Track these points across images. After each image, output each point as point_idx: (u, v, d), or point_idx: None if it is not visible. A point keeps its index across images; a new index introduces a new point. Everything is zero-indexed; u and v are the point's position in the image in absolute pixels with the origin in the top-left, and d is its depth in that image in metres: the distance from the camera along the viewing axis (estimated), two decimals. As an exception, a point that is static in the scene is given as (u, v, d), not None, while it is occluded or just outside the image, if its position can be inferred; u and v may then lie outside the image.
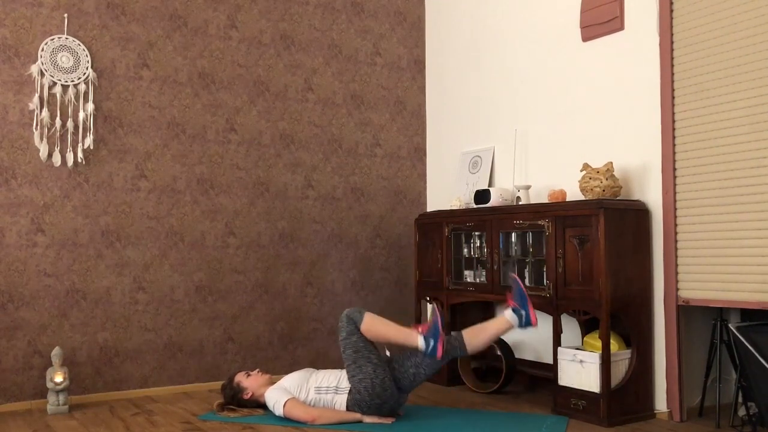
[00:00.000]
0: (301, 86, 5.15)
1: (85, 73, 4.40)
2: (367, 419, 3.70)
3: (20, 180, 4.24)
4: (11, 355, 4.16)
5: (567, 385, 3.84)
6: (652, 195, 3.91)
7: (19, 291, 4.20)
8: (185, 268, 4.68)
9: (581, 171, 3.99)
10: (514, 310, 3.73)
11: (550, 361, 4.15)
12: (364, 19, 5.45)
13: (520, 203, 4.40)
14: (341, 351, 3.77)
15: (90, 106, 4.40)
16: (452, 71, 5.43)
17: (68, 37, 4.38)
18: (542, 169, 4.58)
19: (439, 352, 3.61)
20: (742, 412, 3.58)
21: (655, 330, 3.87)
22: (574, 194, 4.20)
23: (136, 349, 4.50)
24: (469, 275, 4.63)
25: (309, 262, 5.13)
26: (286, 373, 4.18)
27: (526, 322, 3.71)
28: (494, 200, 4.51)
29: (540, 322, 4.42)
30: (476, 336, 3.81)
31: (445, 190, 5.42)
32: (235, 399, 3.92)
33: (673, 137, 3.81)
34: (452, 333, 3.88)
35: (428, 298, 4.94)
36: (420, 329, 3.70)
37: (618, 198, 3.91)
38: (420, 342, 3.66)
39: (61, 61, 4.34)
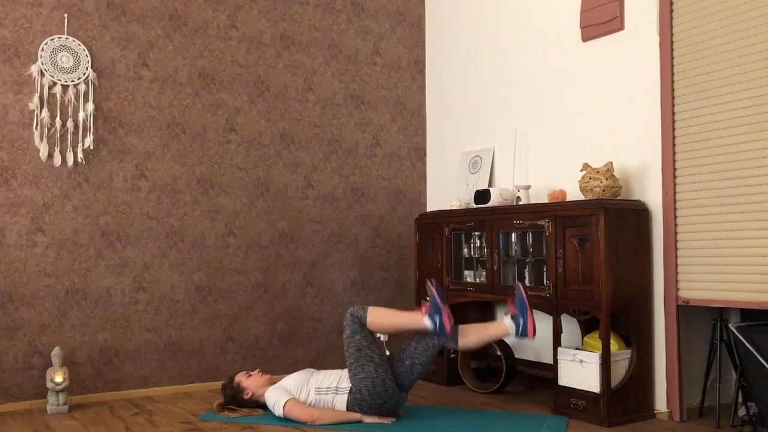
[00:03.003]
0: (301, 86, 5.15)
1: (85, 73, 4.40)
2: (367, 419, 3.70)
3: (20, 180, 4.24)
4: (11, 355, 4.16)
5: (567, 385, 3.84)
6: (652, 195, 3.91)
7: (19, 291, 4.20)
8: (185, 268, 4.68)
9: (581, 171, 3.99)
10: (513, 318, 3.71)
11: (550, 361, 4.15)
12: (364, 19, 5.45)
13: (520, 203, 4.40)
14: (345, 349, 3.77)
15: (90, 106, 4.40)
16: (452, 71, 5.42)
17: (68, 37, 4.38)
18: (542, 169, 4.58)
19: (447, 326, 3.62)
20: (742, 412, 3.58)
21: (655, 330, 3.87)
22: (574, 194, 4.20)
23: (136, 349, 4.50)
24: (469, 275, 4.63)
25: (309, 262, 5.13)
26: (286, 373, 4.18)
27: (522, 332, 3.67)
28: (494, 200, 4.51)
29: (540, 322, 4.43)
30: (471, 333, 3.82)
31: (445, 190, 5.42)
32: (235, 399, 3.92)
33: (673, 137, 3.81)
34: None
35: (428, 298, 4.93)
36: (423, 310, 3.70)
37: (618, 198, 3.91)
38: (426, 322, 3.66)
39: (61, 61, 4.34)
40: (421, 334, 3.82)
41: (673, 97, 3.82)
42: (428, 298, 3.72)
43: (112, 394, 4.40)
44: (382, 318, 3.77)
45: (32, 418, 3.94)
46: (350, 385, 3.71)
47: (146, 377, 4.53)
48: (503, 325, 3.76)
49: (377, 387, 3.65)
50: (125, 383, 4.46)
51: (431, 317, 3.66)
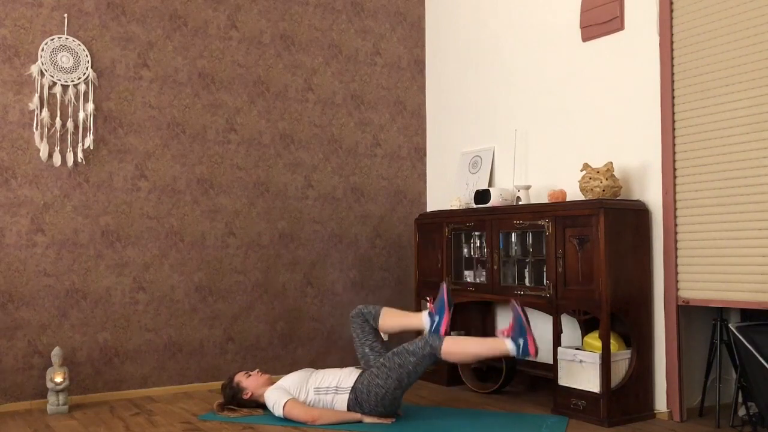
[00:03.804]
0: (301, 86, 5.15)
1: (85, 73, 4.40)
2: (367, 419, 3.70)
3: (20, 180, 4.24)
4: (11, 355, 4.16)
5: (567, 385, 3.84)
6: (652, 195, 3.91)
7: (19, 291, 4.20)
8: (185, 268, 4.68)
9: (581, 171, 3.99)
10: (512, 339, 3.64)
11: (550, 361, 4.15)
12: (364, 19, 5.45)
13: (520, 203, 4.40)
14: (389, 351, 3.72)
15: (90, 106, 4.40)
16: (452, 71, 5.42)
17: (68, 37, 4.38)
18: (542, 169, 4.58)
19: (443, 328, 3.66)
20: (742, 412, 3.58)
21: (655, 330, 3.87)
22: (574, 194, 4.20)
23: (136, 349, 4.50)
24: (469, 275, 4.63)
25: (309, 262, 5.13)
26: (286, 373, 4.18)
27: (524, 353, 3.61)
28: (494, 200, 4.51)
29: (540, 322, 4.43)
30: (467, 350, 3.72)
31: (445, 190, 5.42)
32: (235, 399, 3.92)
33: (673, 137, 3.81)
34: (452, 333, 3.90)
35: (428, 298, 4.94)
36: (504, 333, 3.68)
37: (618, 198, 3.91)
38: (509, 346, 3.61)
39: (61, 61, 4.34)
40: (420, 333, 3.84)
41: (673, 97, 3.82)
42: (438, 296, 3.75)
43: (112, 394, 4.40)
44: (459, 345, 3.66)
45: (32, 418, 3.94)
46: (353, 384, 3.70)
47: (146, 377, 4.53)
48: (503, 346, 3.66)
49: (386, 399, 3.65)
50: (125, 383, 4.46)
51: (431, 316, 3.70)
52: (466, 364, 4.04)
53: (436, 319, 3.73)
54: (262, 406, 3.89)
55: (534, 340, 3.61)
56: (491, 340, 3.76)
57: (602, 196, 3.83)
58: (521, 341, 3.61)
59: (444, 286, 3.88)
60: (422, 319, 3.81)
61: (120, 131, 4.52)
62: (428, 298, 4.41)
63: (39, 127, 4.27)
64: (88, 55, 4.42)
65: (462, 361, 3.69)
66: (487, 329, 4.83)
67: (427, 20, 5.72)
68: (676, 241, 3.79)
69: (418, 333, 3.92)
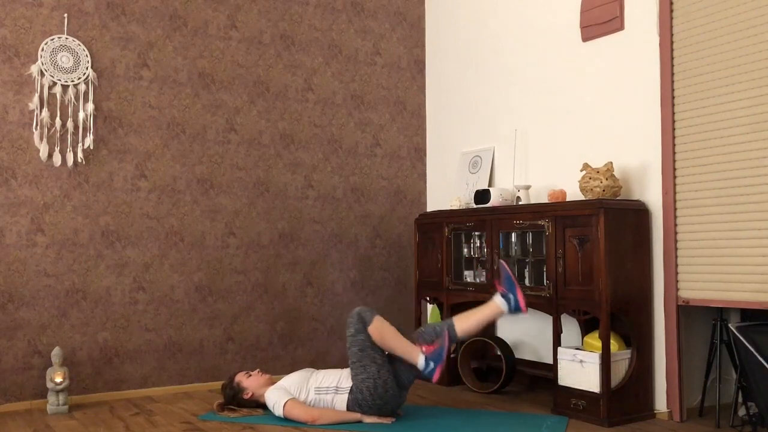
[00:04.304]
0: (301, 86, 5.15)
1: (85, 73, 4.40)
2: (367, 419, 3.70)
3: (20, 180, 4.24)
4: (11, 355, 4.16)
5: (567, 385, 3.84)
6: (652, 195, 3.91)
7: (19, 291, 4.20)
8: (185, 268, 4.68)
9: (581, 171, 3.99)
10: (503, 296, 3.76)
11: (550, 361, 4.15)
12: (364, 19, 5.45)
13: (520, 203, 4.40)
14: (347, 348, 3.77)
15: (90, 106, 4.40)
16: (452, 71, 5.43)
17: (68, 37, 4.38)
18: (542, 169, 4.58)
19: (436, 377, 3.63)
20: (742, 412, 3.58)
21: (655, 330, 3.87)
22: (574, 194, 4.20)
23: (136, 349, 4.50)
24: (469, 275, 4.63)
25: (309, 262, 5.13)
26: (286, 373, 4.18)
27: (515, 308, 3.72)
28: (494, 200, 4.51)
29: (540, 322, 4.43)
30: (467, 321, 3.82)
31: (445, 190, 5.42)
32: (235, 399, 3.92)
33: (673, 137, 3.81)
34: (444, 320, 3.90)
35: (428, 298, 4.94)
36: (425, 348, 3.68)
37: (618, 198, 3.91)
38: (420, 361, 3.65)
39: (61, 61, 4.34)
40: (420, 332, 3.83)
41: (673, 97, 3.82)
42: (437, 343, 3.70)
43: (112, 394, 4.40)
44: (384, 332, 3.72)
45: (32, 418, 3.94)
46: (350, 384, 3.71)
47: (146, 377, 4.53)
48: (495, 304, 3.77)
49: (378, 388, 3.65)
50: (125, 383, 4.46)
51: (427, 361, 3.63)
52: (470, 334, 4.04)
53: (511, 297, 3.73)
54: (263, 406, 3.89)
55: (523, 296, 3.72)
56: (411, 348, 3.70)
57: (602, 196, 3.83)
58: (511, 296, 3.72)
59: (503, 263, 3.87)
60: (497, 303, 3.77)
61: (120, 131, 4.52)
62: (495, 282, 4.28)
63: (39, 127, 4.27)
64: (88, 55, 4.42)
65: (379, 344, 3.72)
66: (486, 329, 4.81)
67: (427, 20, 5.72)
68: (676, 241, 3.79)
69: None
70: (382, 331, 3.73)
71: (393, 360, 3.77)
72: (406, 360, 3.70)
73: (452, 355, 4.69)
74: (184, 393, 4.57)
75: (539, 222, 4.03)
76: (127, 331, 4.48)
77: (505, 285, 3.77)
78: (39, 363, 4.21)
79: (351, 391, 3.70)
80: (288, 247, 5.05)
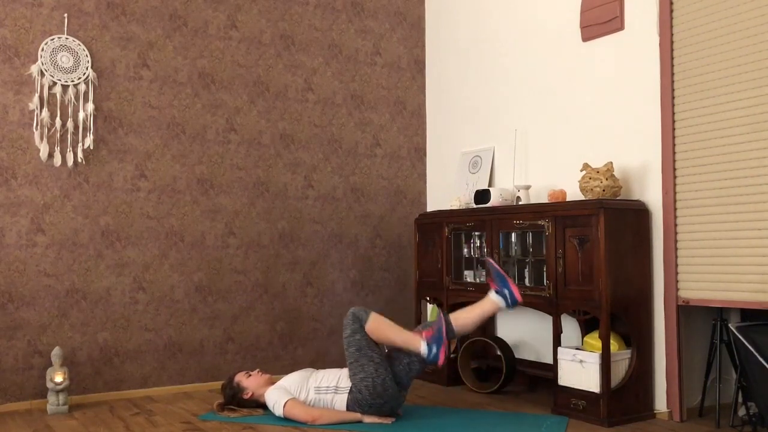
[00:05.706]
0: (301, 86, 5.15)
1: (85, 73, 4.40)
2: (367, 419, 3.70)
3: (20, 180, 4.24)
4: (11, 355, 4.16)
5: (567, 385, 3.84)
6: (652, 195, 3.91)
7: (19, 291, 4.20)
8: (185, 268, 4.68)
9: (581, 171, 3.99)
10: (497, 292, 3.76)
11: (550, 361, 4.15)
12: (364, 19, 5.45)
13: (520, 203, 4.40)
14: (345, 348, 3.77)
15: (90, 106, 4.40)
16: (452, 71, 5.42)
17: (68, 37, 4.38)
18: (542, 169, 4.58)
19: (441, 359, 3.61)
20: (742, 412, 3.58)
21: (655, 330, 3.87)
22: (574, 194, 4.20)
23: (136, 349, 4.50)
24: (469, 275, 4.63)
25: (309, 262, 5.13)
26: (286, 373, 4.18)
27: (512, 302, 3.73)
28: (494, 200, 4.51)
29: (540, 322, 4.44)
30: (461, 315, 3.83)
31: (445, 190, 5.42)
32: (235, 399, 3.92)
33: (673, 137, 3.81)
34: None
35: (428, 298, 4.94)
36: (424, 334, 3.69)
37: (618, 198, 3.91)
38: (422, 347, 3.64)
39: (61, 61, 4.34)
40: (415, 330, 3.83)
41: (673, 97, 3.82)
42: (434, 325, 3.69)
43: (112, 394, 4.40)
44: (381, 328, 3.75)
45: (32, 418, 3.94)
46: (350, 384, 3.71)
47: (146, 377, 4.53)
48: (491, 301, 3.78)
49: (377, 387, 3.65)
50: (125, 383, 4.46)
51: (429, 346, 3.61)
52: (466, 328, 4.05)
53: (506, 292, 3.74)
54: (263, 406, 3.89)
55: (516, 287, 3.73)
56: (411, 336, 3.71)
57: (602, 196, 3.83)
58: (506, 291, 3.72)
59: (489, 260, 3.90)
60: (493, 300, 3.78)
61: (120, 131, 4.52)
62: (487, 279, 4.28)
63: (39, 127, 4.27)
64: (88, 55, 4.42)
65: (380, 341, 3.75)
66: (486, 329, 4.82)
67: (427, 20, 5.72)
68: (676, 241, 3.79)
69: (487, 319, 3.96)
70: (380, 326, 3.74)
71: (391, 360, 3.77)
72: (409, 350, 3.70)
73: (452, 355, 4.69)
74: (184, 393, 4.57)
75: (539, 222, 4.03)
76: (127, 331, 4.48)
77: (497, 282, 3.77)
78: (39, 363, 4.21)
79: (350, 391, 3.70)
80: (288, 247, 5.05)
